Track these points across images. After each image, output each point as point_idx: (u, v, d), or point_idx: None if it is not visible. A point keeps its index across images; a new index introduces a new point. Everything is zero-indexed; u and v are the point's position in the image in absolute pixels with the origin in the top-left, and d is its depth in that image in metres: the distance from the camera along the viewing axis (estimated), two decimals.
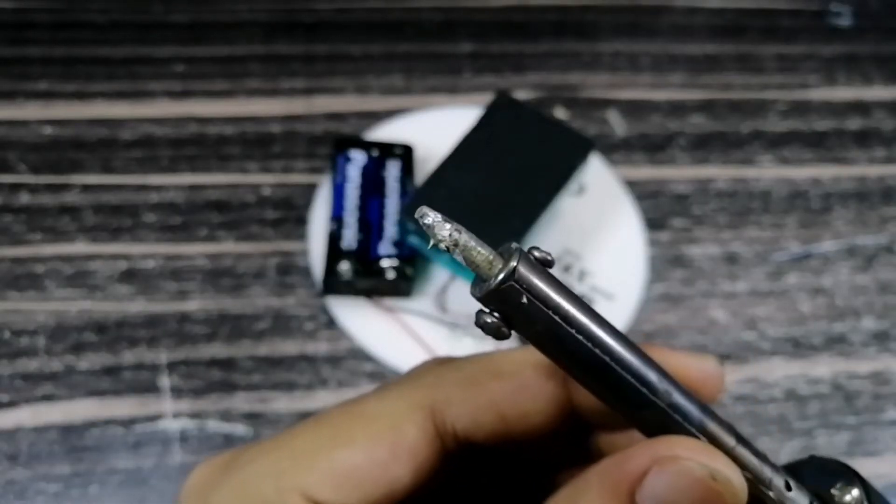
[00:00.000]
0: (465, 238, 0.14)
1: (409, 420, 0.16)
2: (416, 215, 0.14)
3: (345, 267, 0.37)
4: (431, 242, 0.14)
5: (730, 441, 0.16)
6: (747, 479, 0.15)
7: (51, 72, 0.46)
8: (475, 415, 0.16)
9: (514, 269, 0.14)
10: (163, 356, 0.37)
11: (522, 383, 0.16)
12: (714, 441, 0.16)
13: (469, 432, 0.16)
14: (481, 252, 0.14)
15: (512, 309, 0.14)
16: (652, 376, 0.15)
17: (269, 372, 0.37)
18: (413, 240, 0.37)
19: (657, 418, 0.15)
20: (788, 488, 0.16)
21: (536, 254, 0.15)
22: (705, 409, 0.16)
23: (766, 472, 0.16)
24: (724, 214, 0.44)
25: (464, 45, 0.50)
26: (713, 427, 0.16)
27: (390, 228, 0.38)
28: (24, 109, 0.45)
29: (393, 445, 0.16)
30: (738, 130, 0.48)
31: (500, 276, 0.14)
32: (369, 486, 0.16)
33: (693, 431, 0.15)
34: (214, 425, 0.35)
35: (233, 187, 0.42)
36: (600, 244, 0.41)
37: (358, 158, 0.40)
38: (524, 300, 0.14)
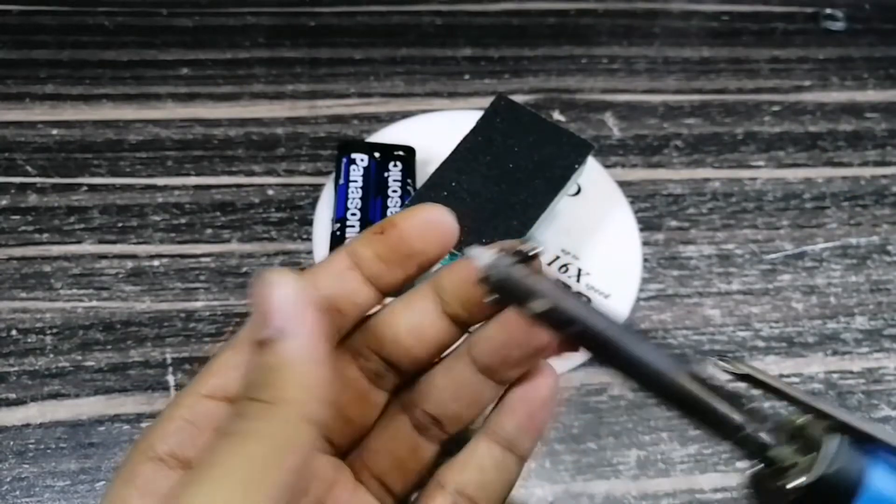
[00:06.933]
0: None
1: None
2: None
3: None
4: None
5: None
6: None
7: (58, 75, 0.47)
8: None
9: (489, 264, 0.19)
10: (169, 354, 0.37)
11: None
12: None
13: None
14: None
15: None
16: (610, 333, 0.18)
17: None
18: None
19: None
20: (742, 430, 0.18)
21: (523, 248, 0.19)
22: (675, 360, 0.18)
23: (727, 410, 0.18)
24: (718, 215, 0.45)
25: (464, 49, 0.51)
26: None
27: None
28: (32, 112, 0.45)
29: None
30: (733, 132, 0.48)
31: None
32: None
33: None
34: None
35: (238, 188, 0.43)
36: (597, 244, 0.42)
37: (360, 160, 0.41)
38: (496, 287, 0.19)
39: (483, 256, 0.19)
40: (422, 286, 0.21)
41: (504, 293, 0.19)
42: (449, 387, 0.21)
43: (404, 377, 0.22)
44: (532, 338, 0.20)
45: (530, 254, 0.19)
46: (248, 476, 0.16)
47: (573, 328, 0.18)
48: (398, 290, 0.21)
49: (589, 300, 0.41)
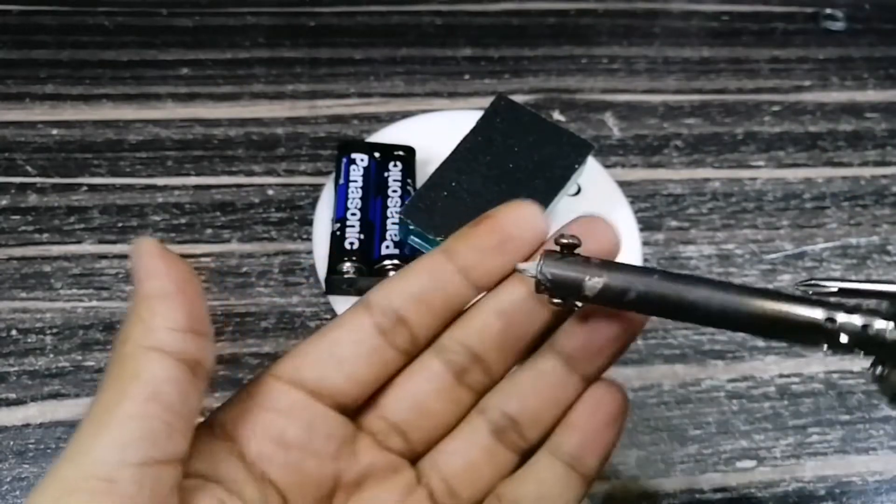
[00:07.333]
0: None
1: None
2: None
3: (347, 266, 0.38)
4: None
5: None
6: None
7: (58, 74, 0.47)
8: None
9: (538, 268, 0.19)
10: None
11: None
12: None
13: None
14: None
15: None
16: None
17: None
18: (414, 240, 0.38)
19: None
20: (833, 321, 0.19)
21: (560, 242, 0.19)
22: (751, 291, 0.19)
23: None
24: (718, 215, 0.45)
25: (464, 49, 0.51)
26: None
27: (392, 229, 0.39)
28: (32, 112, 0.45)
29: None
30: (733, 132, 0.49)
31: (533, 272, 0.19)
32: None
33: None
34: None
35: (238, 188, 0.43)
36: None
37: (360, 160, 0.41)
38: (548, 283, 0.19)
39: (528, 267, 0.19)
40: (509, 277, 0.21)
41: (559, 291, 0.19)
42: (530, 381, 0.21)
43: (491, 375, 0.21)
44: (610, 320, 0.20)
45: (568, 245, 0.19)
46: (97, 418, 0.17)
47: (630, 297, 0.18)
48: (493, 282, 0.21)
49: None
